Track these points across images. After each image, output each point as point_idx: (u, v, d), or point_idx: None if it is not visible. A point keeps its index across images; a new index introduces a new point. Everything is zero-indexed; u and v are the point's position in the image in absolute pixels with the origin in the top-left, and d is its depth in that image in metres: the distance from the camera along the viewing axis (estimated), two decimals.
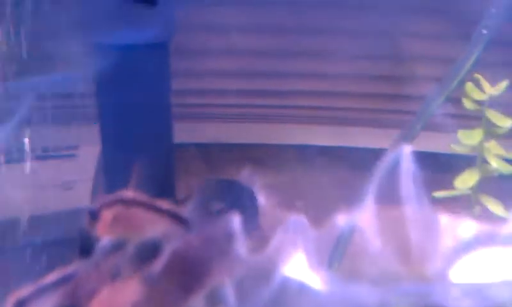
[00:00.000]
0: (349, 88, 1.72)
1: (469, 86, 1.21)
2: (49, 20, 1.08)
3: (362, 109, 1.78)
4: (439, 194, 1.04)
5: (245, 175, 0.93)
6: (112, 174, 1.39)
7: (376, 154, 0.87)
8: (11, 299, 0.72)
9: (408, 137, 0.99)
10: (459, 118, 1.21)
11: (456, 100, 1.23)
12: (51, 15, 1.11)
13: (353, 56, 1.57)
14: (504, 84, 1.19)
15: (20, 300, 0.72)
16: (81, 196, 1.45)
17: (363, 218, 0.75)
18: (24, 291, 0.72)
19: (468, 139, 1.18)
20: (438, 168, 1.04)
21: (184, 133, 1.46)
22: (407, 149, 0.79)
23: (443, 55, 1.32)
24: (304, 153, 1.51)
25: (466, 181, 1.11)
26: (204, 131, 1.73)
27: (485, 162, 1.16)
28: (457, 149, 1.18)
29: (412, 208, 0.74)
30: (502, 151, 1.17)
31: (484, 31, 1.16)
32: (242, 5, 1.56)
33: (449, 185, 1.15)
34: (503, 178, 1.14)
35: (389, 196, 0.80)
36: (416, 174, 0.76)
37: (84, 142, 1.49)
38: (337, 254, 0.82)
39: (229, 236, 0.75)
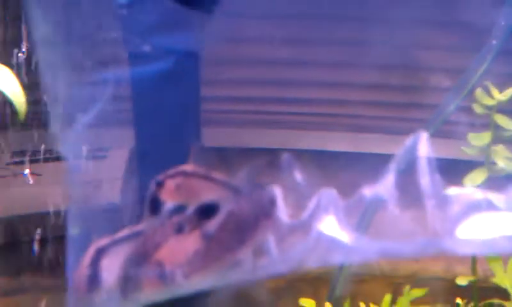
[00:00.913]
0: (363, 97, 1.81)
1: (479, 92, 1.30)
2: (96, 26, 1.20)
3: (376, 116, 1.86)
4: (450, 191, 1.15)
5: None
6: (145, 173, 1.48)
7: (389, 160, 0.98)
8: (92, 248, 0.87)
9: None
10: (469, 126, 1.31)
11: (466, 108, 1.33)
12: (97, 22, 1.22)
13: (367, 66, 1.68)
14: (511, 91, 1.28)
15: (99, 249, 0.87)
16: (110, 194, 1.55)
17: (385, 189, 0.89)
18: (102, 241, 0.87)
19: (477, 141, 1.27)
20: (448, 173, 1.13)
21: (204, 137, 1.57)
22: (424, 135, 0.93)
23: (454, 66, 1.42)
24: (320, 158, 1.62)
25: (474, 179, 1.22)
26: (224, 136, 1.83)
27: (493, 163, 1.25)
28: (467, 151, 1.27)
29: (426, 182, 0.88)
30: (509, 154, 1.26)
31: (494, 42, 1.27)
32: (260, 18, 1.67)
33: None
34: (510, 178, 1.24)
35: (408, 176, 0.93)
36: (431, 156, 0.90)
37: (115, 145, 1.60)
38: (365, 220, 0.97)
39: (271, 201, 0.90)
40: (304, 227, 0.87)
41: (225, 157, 1.71)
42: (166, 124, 1.46)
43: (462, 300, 1.34)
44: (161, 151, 1.39)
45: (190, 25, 1.34)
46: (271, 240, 0.88)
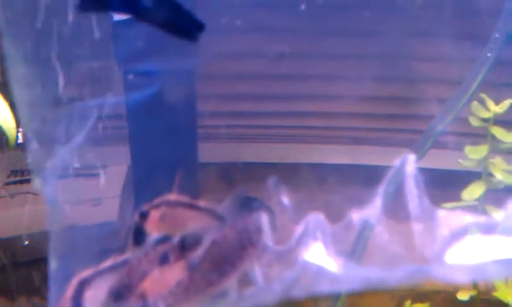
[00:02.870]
0: (360, 109, 1.81)
1: (475, 104, 1.30)
2: (92, 49, 1.20)
3: (373, 128, 1.86)
4: (447, 205, 1.14)
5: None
6: (140, 190, 1.48)
7: (386, 171, 0.97)
8: (74, 280, 0.86)
9: (417, 155, 1.10)
10: (465, 137, 1.30)
11: (462, 120, 1.32)
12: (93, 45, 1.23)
13: (364, 79, 1.68)
14: (507, 103, 1.28)
15: (82, 281, 0.86)
16: (108, 211, 1.54)
17: (373, 214, 0.88)
18: (85, 273, 0.86)
19: (474, 154, 1.27)
20: (443, 184, 1.12)
21: (204, 153, 1.57)
22: (411, 157, 0.91)
23: (449, 77, 1.42)
24: (319, 171, 1.61)
25: (472, 192, 1.21)
26: (223, 151, 1.83)
27: (490, 175, 1.25)
28: (465, 163, 1.27)
29: (414, 205, 0.86)
30: (506, 166, 1.26)
31: (489, 54, 1.26)
32: (256, 32, 1.68)
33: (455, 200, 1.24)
34: (508, 190, 1.24)
35: (396, 199, 0.92)
36: (418, 176, 0.88)
37: (111, 163, 1.60)
38: (359, 248, 0.96)
39: (258, 230, 0.89)
40: (290, 254, 0.86)
41: (222, 172, 1.71)
42: (161, 143, 1.46)
43: None
44: (156, 170, 1.39)
45: (179, 49, 1.34)
46: (256, 269, 0.86)
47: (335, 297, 1.45)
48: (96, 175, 1.67)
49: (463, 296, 1.31)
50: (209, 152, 1.70)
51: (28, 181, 1.95)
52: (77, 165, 1.08)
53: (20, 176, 2.00)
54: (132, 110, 1.46)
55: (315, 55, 1.79)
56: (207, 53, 1.46)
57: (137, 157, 1.50)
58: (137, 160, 1.50)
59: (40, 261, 1.89)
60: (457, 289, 1.34)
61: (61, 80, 0.94)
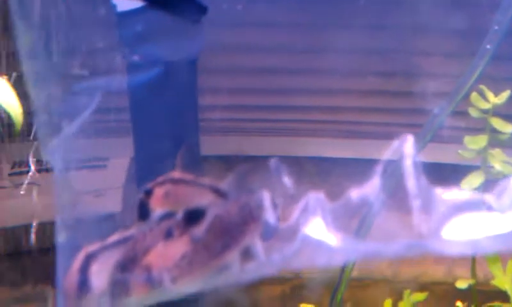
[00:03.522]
0: (361, 103, 1.83)
1: (474, 96, 1.30)
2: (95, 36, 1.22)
3: (375, 122, 1.87)
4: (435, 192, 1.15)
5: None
6: (143, 181, 1.49)
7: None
8: (81, 253, 0.89)
9: (417, 147, 1.12)
10: (462, 130, 1.31)
11: (461, 113, 1.34)
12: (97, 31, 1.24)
13: (366, 73, 1.69)
14: (506, 94, 1.28)
15: (90, 254, 0.88)
16: (111, 202, 1.56)
17: (371, 192, 0.90)
18: (92, 247, 0.89)
19: (473, 144, 1.27)
20: (443, 177, 1.13)
21: (207, 146, 1.59)
22: (409, 137, 0.94)
23: (450, 71, 1.44)
24: (322, 165, 1.63)
25: (471, 182, 1.22)
26: (226, 144, 1.84)
27: (489, 166, 1.26)
28: (464, 154, 1.27)
29: (412, 184, 0.89)
30: (505, 157, 1.26)
31: (488, 46, 1.28)
32: (261, 27, 1.69)
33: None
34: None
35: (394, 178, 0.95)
36: (416, 157, 0.91)
37: (114, 155, 1.61)
38: (364, 225, 0.98)
39: (259, 206, 0.91)
40: (291, 230, 0.89)
41: (224, 165, 1.72)
42: (162, 131, 1.48)
43: (462, 303, 1.35)
44: (158, 160, 1.40)
45: (182, 34, 1.36)
46: (258, 244, 0.89)
47: (334, 288, 1.46)
48: (99, 167, 1.68)
49: (461, 285, 1.32)
50: (211, 145, 1.72)
51: (31, 172, 1.97)
52: (82, 150, 1.09)
53: (24, 167, 2.02)
54: (135, 99, 1.47)
55: (317, 49, 1.80)
56: (210, 45, 1.47)
57: (140, 148, 1.51)
58: (140, 150, 1.51)
59: (45, 251, 1.91)
60: (455, 279, 1.35)
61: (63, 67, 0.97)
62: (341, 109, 1.91)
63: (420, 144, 1.24)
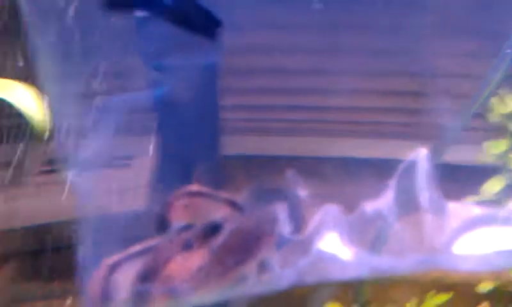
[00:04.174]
0: (380, 103, 1.82)
1: (494, 100, 1.30)
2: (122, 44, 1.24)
3: (394, 122, 1.86)
4: (469, 199, 1.15)
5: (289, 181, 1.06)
6: (166, 181, 1.51)
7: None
8: (104, 263, 0.92)
9: (439, 150, 1.13)
10: (482, 132, 1.31)
11: (479, 115, 1.33)
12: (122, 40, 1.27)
13: (383, 73, 1.68)
14: None
15: (112, 264, 0.92)
16: (135, 201, 1.58)
17: (385, 205, 0.92)
18: (115, 257, 0.92)
19: (494, 149, 1.27)
20: (461, 179, 1.13)
21: (228, 145, 1.60)
22: (423, 151, 0.95)
23: (469, 73, 1.42)
24: (344, 165, 1.63)
25: (492, 186, 1.21)
26: (248, 144, 1.85)
27: (510, 170, 1.25)
28: (484, 159, 1.27)
29: (425, 198, 0.90)
30: None
31: (509, 50, 1.27)
32: (281, 27, 1.69)
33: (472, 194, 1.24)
34: None
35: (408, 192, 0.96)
36: (430, 171, 0.92)
37: (138, 153, 1.64)
38: (380, 238, 0.99)
39: (273, 220, 0.94)
40: (306, 243, 0.91)
41: (246, 165, 1.74)
42: (183, 135, 1.50)
43: (487, 305, 1.34)
44: (181, 162, 1.42)
45: (202, 44, 1.38)
46: (273, 257, 0.91)
47: (357, 290, 1.46)
48: (123, 166, 1.71)
49: (484, 288, 1.31)
50: (232, 145, 1.73)
51: (60, 171, 2.02)
52: (105, 156, 1.12)
53: (54, 166, 2.07)
54: (157, 105, 1.49)
55: (336, 49, 1.80)
56: (228, 46, 1.49)
57: (163, 149, 1.53)
58: (163, 152, 1.53)
59: (71, 248, 1.96)
60: (479, 281, 1.34)
61: (87, 74, 0.99)
62: (360, 109, 1.90)
63: (438, 155, 1.25)
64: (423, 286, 1.79)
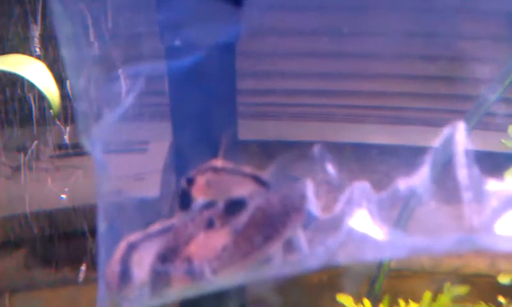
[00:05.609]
0: (404, 88, 1.78)
1: None
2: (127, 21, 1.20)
3: (416, 108, 1.83)
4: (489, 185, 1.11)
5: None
6: (182, 166, 1.49)
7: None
8: (123, 243, 0.88)
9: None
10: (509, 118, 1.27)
11: (508, 100, 1.29)
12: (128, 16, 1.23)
13: (409, 57, 1.64)
14: None
15: (131, 243, 0.87)
16: (151, 186, 1.56)
17: (420, 182, 0.87)
18: (134, 236, 0.88)
19: None
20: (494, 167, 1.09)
21: (245, 130, 1.57)
22: (461, 125, 0.90)
23: (495, 57, 1.38)
24: (361, 151, 1.60)
25: None
26: (265, 129, 1.82)
27: None
28: (508, 144, 1.23)
29: (463, 175, 0.85)
30: None
31: None
32: (302, 10, 1.66)
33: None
34: None
35: (445, 169, 0.91)
36: (468, 146, 0.87)
37: (155, 138, 1.61)
38: (404, 215, 0.95)
39: (302, 196, 0.89)
40: (335, 221, 0.86)
41: (264, 150, 1.71)
42: (201, 117, 1.47)
43: (505, 298, 1.31)
44: (197, 144, 1.40)
45: (222, 18, 1.34)
46: (301, 235, 0.86)
47: (373, 279, 1.44)
48: (140, 150, 1.68)
49: (504, 279, 1.28)
50: (250, 130, 1.70)
51: (73, 155, 1.99)
52: (123, 134, 1.09)
53: (66, 150, 2.04)
54: (174, 83, 1.46)
55: (359, 32, 1.76)
56: (249, 29, 1.46)
57: (178, 132, 1.51)
58: (178, 135, 1.51)
59: (85, 233, 1.92)
60: (499, 272, 1.31)
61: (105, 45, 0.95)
62: (385, 94, 1.87)
63: (467, 129, 1.20)
64: (438, 277, 1.75)
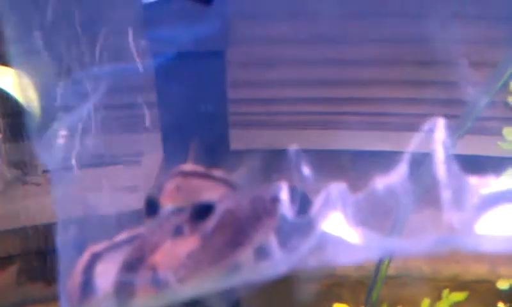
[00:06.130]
0: (395, 94, 1.76)
1: None
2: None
3: (409, 114, 1.80)
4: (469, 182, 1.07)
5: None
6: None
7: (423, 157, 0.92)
8: (86, 253, 0.84)
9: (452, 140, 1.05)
10: (502, 121, 1.24)
11: (498, 103, 1.26)
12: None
13: (404, 62, 1.62)
14: None
15: (95, 254, 0.83)
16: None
17: (397, 181, 0.82)
18: (99, 246, 0.84)
19: None
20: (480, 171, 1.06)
21: (240, 140, 1.54)
22: (441, 121, 0.86)
23: (486, 60, 1.35)
24: (358, 158, 1.56)
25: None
26: (260, 138, 1.80)
27: None
28: (503, 146, 1.20)
29: (442, 171, 0.81)
30: None
31: None
32: (294, 17, 1.64)
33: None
34: None
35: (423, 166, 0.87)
36: (447, 143, 0.83)
37: (149, 150, 1.59)
38: (399, 221, 0.91)
39: (274, 199, 0.84)
40: (308, 225, 0.82)
41: (256, 159, 1.68)
42: (188, 124, 1.45)
43: (505, 304, 1.28)
44: (184, 151, 1.37)
45: (202, 22, 1.32)
46: (272, 241, 0.82)
47: (370, 287, 1.41)
48: (132, 162, 1.66)
49: (503, 285, 1.25)
50: (242, 139, 1.68)
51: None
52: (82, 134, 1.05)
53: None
54: (160, 91, 1.44)
55: (350, 39, 1.74)
56: (244, 38, 1.44)
57: (167, 141, 1.48)
58: (167, 143, 1.48)
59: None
60: (499, 277, 1.28)
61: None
62: (375, 101, 1.84)
63: (458, 134, 1.17)
64: (437, 283, 1.71)
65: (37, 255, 2.02)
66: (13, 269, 2.04)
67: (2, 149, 1.95)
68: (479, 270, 1.74)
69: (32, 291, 2.01)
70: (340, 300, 1.39)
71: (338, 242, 0.78)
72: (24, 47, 0.94)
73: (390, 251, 0.75)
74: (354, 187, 0.89)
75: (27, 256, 1.99)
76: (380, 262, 1.33)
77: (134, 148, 1.63)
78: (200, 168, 0.90)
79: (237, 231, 0.82)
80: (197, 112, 1.44)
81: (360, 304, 1.42)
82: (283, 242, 0.81)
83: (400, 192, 0.82)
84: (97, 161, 1.22)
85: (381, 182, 0.83)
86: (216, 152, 1.42)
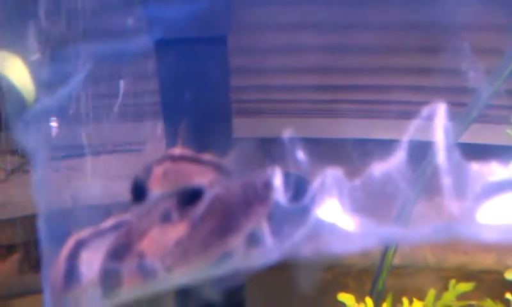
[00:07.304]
0: (403, 81, 1.72)
1: None
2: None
3: (415, 102, 1.76)
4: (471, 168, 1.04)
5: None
6: None
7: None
8: (71, 240, 0.81)
9: (460, 129, 1.02)
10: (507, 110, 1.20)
11: (507, 92, 1.23)
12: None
13: (409, 50, 1.59)
14: None
15: (80, 241, 0.80)
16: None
17: (395, 167, 0.79)
18: (83, 233, 0.81)
19: None
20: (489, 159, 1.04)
21: (244, 128, 1.52)
22: (441, 106, 0.82)
23: (494, 47, 1.31)
24: (362, 147, 1.53)
25: None
26: (264, 126, 1.77)
27: None
28: None
29: (442, 158, 0.77)
30: None
31: None
32: (295, 4, 1.61)
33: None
34: None
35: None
36: (448, 128, 0.79)
37: (152, 138, 1.57)
38: (405, 211, 0.87)
39: (267, 185, 0.81)
40: (304, 212, 0.78)
41: (258, 147, 1.65)
42: (190, 111, 1.43)
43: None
44: (189, 142, 1.36)
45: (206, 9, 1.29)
46: (264, 228, 0.79)
47: (375, 276, 1.38)
48: (134, 151, 1.64)
49: (510, 275, 1.21)
50: (245, 127, 1.66)
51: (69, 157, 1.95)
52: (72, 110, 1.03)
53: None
54: (163, 78, 1.42)
55: (352, 25, 1.71)
56: (248, 24, 1.41)
57: (169, 129, 1.46)
58: (169, 131, 1.46)
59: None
60: (507, 268, 1.25)
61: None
62: (382, 88, 1.81)
63: (465, 124, 1.14)
64: (444, 274, 1.68)
65: (39, 244, 2.01)
66: (15, 258, 2.03)
67: (2, 138, 1.94)
68: (485, 260, 1.71)
69: (34, 280, 2.00)
70: (346, 290, 1.36)
71: (334, 229, 0.74)
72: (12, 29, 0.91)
73: (387, 239, 0.72)
74: (355, 175, 0.87)
75: (29, 245, 1.98)
76: (386, 251, 1.31)
77: (135, 137, 1.61)
78: (188, 152, 0.87)
79: (227, 218, 0.79)
80: (199, 99, 1.42)
81: (365, 294, 1.39)
82: (276, 229, 0.78)
83: (397, 178, 0.78)
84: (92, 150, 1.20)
85: (378, 168, 0.80)
86: (218, 140, 1.40)
